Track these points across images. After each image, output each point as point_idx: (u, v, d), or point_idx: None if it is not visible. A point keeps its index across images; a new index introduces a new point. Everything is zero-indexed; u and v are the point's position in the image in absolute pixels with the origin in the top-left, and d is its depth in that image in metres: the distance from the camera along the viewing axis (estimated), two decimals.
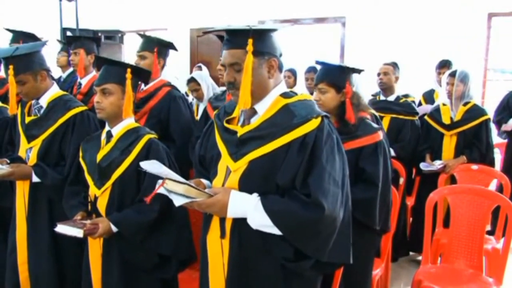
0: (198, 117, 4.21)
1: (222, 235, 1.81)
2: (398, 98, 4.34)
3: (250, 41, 1.69)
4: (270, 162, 1.72)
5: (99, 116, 2.30)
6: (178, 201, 1.68)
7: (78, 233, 2.09)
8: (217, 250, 1.83)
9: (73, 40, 3.87)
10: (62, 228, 2.13)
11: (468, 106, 3.98)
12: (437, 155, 4.05)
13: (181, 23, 8.38)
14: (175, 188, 1.71)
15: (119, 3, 9.09)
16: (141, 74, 2.43)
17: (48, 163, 2.63)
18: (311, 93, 5.59)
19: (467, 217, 3.06)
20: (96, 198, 2.31)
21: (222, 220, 1.80)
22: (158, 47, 3.34)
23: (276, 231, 1.68)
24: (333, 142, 1.74)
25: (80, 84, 3.71)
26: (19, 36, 3.89)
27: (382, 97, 4.37)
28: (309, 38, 8.10)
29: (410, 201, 4.44)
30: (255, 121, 1.80)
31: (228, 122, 1.89)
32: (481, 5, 6.33)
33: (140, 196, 2.23)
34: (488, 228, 3.58)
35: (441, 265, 3.19)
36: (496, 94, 6.30)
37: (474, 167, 3.82)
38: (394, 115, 4.18)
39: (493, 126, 4.30)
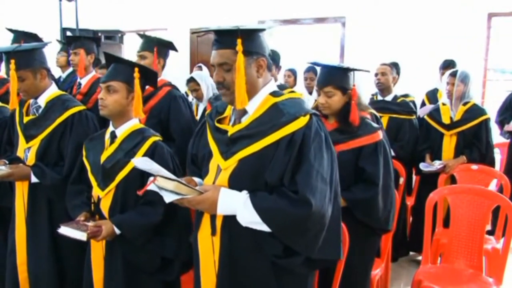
0: (198, 117, 4.22)
1: (213, 232, 1.83)
2: (395, 97, 4.35)
3: (239, 41, 1.71)
4: (259, 160, 1.74)
5: (102, 113, 2.28)
6: (168, 198, 1.71)
7: (81, 236, 2.08)
8: (208, 247, 1.86)
9: (73, 40, 3.86)
10: (65, 230, 2.13)
11: (468, 106, 3.98)
12: (437, 155, 4.04)
13: (181, 23, 8.38)
14: (165, 185, 1.72)
15: (119, 3, 9.09)
16: (148, 75, 2.41)
17: (47, 163, 2.62)
18: (310, 93, 5.65)
19: (467, 217, 3.06)
20: (99, 199, 2.30)
21: (213, 218, 1.82)
22: (158, 47, 3.34)
23: (265, 228, 1.71)
24: (321, 140, 1.76)
25: (80, 84, 3.70)
26: (21, 36, 3.88)
27: (379, 97, 4.38)
28: (309, 38, 8.10)
29: (410, 201, 4.44)
30: (245, 120, 1.82)
31: (219, 121, 1.92)
32: (481, 5, 6.33)
33: (144, 199, 2.21)
34: (488, 228, 3.57)
35: (441, 265, 3.19)
36: (496, 94, 6.31)
37: (474, 167, 3.81)
38: (392, 115, 4.19)
39: (493, 126, 4.30)
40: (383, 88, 4.33)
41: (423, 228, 3.11)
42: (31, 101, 2.72)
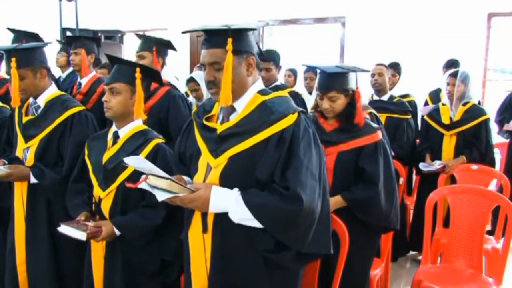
0: None
1: (204, 230, 1.85)
2: (391, 97, 4.37)
3: (229, 40, 1.74)
4: (249, 158, 1.77)
5: (107, 115, 2.28)
6: (160, 197, 1.71)
7: (81, 236, 2.08)
8: (199, 245, 1.87)
9: (73, 40, 3.87)
10: (65, 229, 2.13)
11: (468, 106, 3.97)
12: (436, 155, 4.04)
13: (181, 23, 8.34)
14: (158, 183, 1.73)
15: (119, 3, 9.09)
16: (151, 74, 2.41)
17: (46, 163, 2.62)
18: (310, 93, 5.65)
19: (467, 217, 3.06)
20: (100, 199, 2.29)
21: (204, 215, 1.84)
22: (157, 47, 3.34)
23: (257, 224, 1.74)
24: (309, 137, 1.80)
25: (80, 84, 3.71)
26: (22, 36, 3.88)
27: (375, 97, 4.38)
28: (309, 38, 8.11)
29: (410, 201, 4.44)
30: (233, 118, 1.84)
31: (207, 119, 1.94)
32: (481, 5, 6.33)
33: (145, 201, 2.21)
34: (488, 228, 3.57)
35: (441, 265, 3.19)
36: (496, 94, 6.31)
37: (474, 167, 3.81)
38: (389, 115, 4.19)
39: (493, 126, 4.30)
40: (380, 89, 4.34)
41: (423, 228, 3.11)
42: (30, 101, 2.71)
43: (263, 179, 1.76)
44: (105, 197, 2.27)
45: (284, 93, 1.95)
